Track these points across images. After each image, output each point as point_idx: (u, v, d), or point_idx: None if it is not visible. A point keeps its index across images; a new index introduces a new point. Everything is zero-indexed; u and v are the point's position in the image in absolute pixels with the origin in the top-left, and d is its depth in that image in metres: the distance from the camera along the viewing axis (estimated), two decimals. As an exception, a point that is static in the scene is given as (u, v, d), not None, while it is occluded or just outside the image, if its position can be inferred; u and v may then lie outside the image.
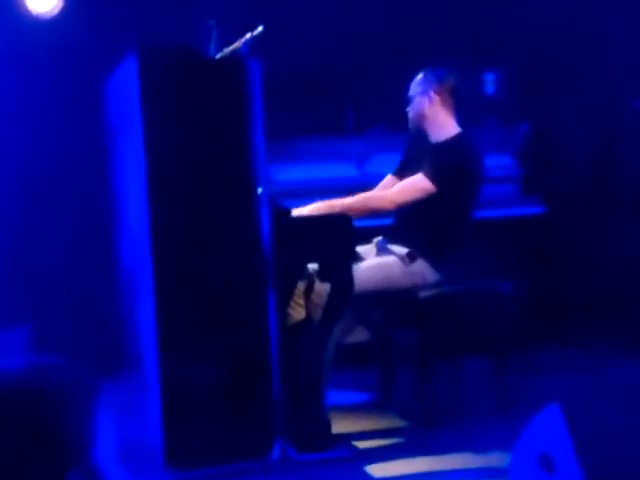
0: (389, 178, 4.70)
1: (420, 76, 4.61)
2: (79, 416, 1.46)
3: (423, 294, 4.35)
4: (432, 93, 4.54)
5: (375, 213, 4.56)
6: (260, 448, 3.83)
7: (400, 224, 4.56)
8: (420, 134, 4.61)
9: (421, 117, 4.57)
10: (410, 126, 4.64)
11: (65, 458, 1.42)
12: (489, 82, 6.02)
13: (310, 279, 4.18)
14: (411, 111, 4.60)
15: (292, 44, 5.45)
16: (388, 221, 4.64)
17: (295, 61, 5.52)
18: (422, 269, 4.42)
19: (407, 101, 4.61)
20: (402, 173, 4.61)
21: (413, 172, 4.48)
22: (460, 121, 4.60)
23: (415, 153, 4.63)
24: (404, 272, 4.40)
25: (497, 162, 5.64)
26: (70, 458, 1.42)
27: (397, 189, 4.46)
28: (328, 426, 4.01)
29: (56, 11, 5.31)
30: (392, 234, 4.55)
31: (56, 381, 1.47)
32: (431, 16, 5.88)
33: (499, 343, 4.44)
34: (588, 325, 5.49)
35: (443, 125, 4.56)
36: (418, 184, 4.40)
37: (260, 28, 3.90)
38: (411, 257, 4.42)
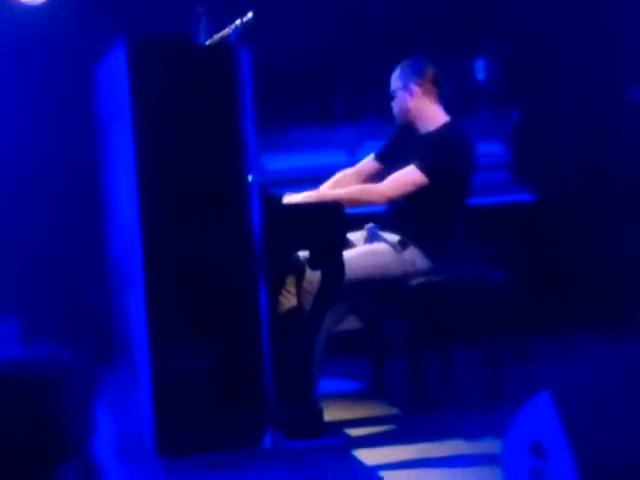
0: (370, 160, 4.68)
1: (398, 70, 4.56)
2: (79, 406, 1.45)
3: (414, 282, 4.35)
4: (413, 86, 4.50)
5: (365, 206, 4.56)
6: (252, 436, 3.83)
7: (392, 211, 4.55)
8: (408, 124, 4.59)
9: (406, 111, 4.54)
10: (397, 121, 4.62)
11: (63, 447, 1.41)
12: (480, 69, 6.00)
13: (301, 267, 4.17)
14: (395, 107, 4.57)
15: (282, 32, 5.42)
16: (379, 208, 4.63)
17: (285, 49, 5.50)
18: (413, 257, 4.42)
19: (390, 97, 4.58)
20: (386, 160, 4.60)
21: (399, 161, 4.45)
22: (450, 108, 4.59)
23: (402, 141, 4.60)
24: (395, 259, 4.39)
25: (488, 149, 5.61)
26: (68, 448, 1.42)
27: (389, 183, 4.43)
28: (320, 414, 4.01)
29: (44, -1, 5.28)
30: (383, 221, 4.54)
31: (57, 370, 1.46)
32: (421, 3, 5.86)
33: (490, 331, 4.44)
34: (580, 313, 5.49)
35: (430, 116, 4.54)
36: (410, 177, 4.37)
37: (250, 15, 3.88)
38: (402, 244, 4.41)
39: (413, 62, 4.56)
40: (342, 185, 4.56)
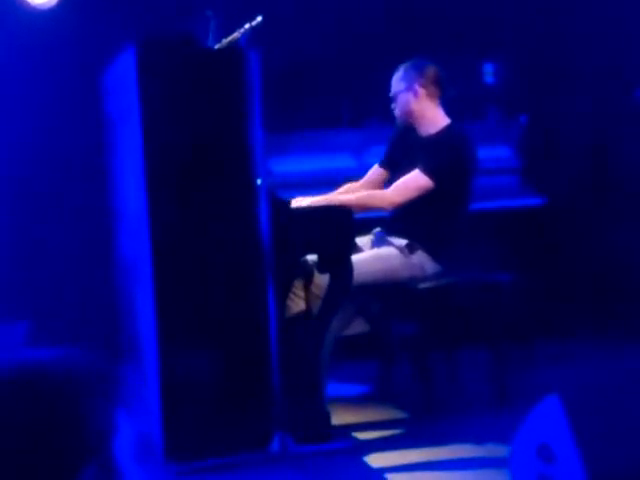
0: (376, 169, 4.68)
1: (400, 72, 4.54)
2: (100, 407, 1.46)
3: (422, 286, 4.35)
4: (417, 87, 4.50)
5: (372, 211, 4.56)
6: (260, 440, 3.83)
7: (399, 216, 4.55)
8: (407, 126, 4.59)
9: (409, 113, 4.53)
10: (398, 123, 4.61)
11: (84, 449, 1.42)
12: (488, 73, 6.01)
13: (309, 271, 4.17)
14: (398, 109, 4.56)
15: (290, 36, 5.44)
16: (386, 212, 4.63)
17: (293, 53, 5.51)
18: (421, 260, 4.42)
19: (391, 99, 4.57)
20: (390, 166, 4.60)
21: (403, 166, 4.45)
22: (459, 112, 4.58)
23: (403, 145, 4.60)
24: (403, 263, 4.39)
25: (496, 153, 5.63)
26: (89, 449, 1.42)
27: (395, 189, 4.42)
28: (327, 418, 4.00)
29: (54, 2, 5.29)
30: (390, 225, 4.54)
31: (77, 371, 1.47)
32: (429, 7, 5.86)
33: (498, 334, 4.44)
34: (587, 316, 5.49)
35: (432, 118, 4.53)
36: (416, 183, 4.37)
37: (259, 19, 3.88)
38: (410, 248, 4.41)
39: (416, 63, 4.55)
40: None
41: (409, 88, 4.50)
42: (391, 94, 4.57)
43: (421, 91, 4.50)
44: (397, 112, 4.57)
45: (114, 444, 1.46)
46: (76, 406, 1.42)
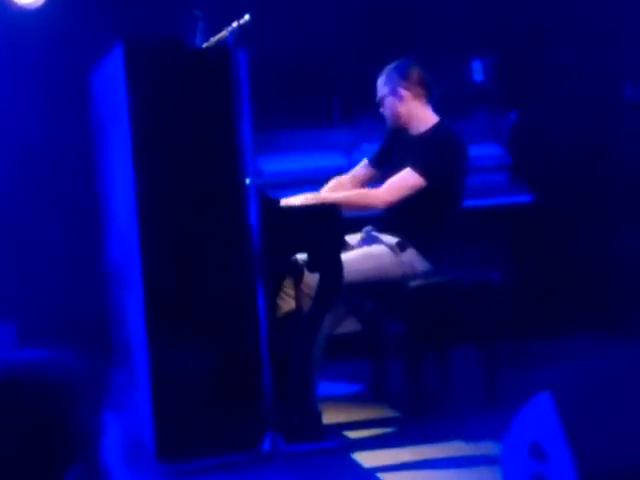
0: (364, 165, 4.68)
1: (384, 76, 4.55)
2: (87, 409, 1.46)
3: (413, 284, 4.34)
4: (401, 90, 4.50)
5: (364, 210, 4.55)
6: (251, 440, 3.82)
7: (389, 213, 4.54)
8: (399, 128, 4.59)
9: (397, 116, 4.54)
10: (389, 125, 4.62)
11: (70, 451, 1.41)
12: (477, 70, 6.00)
13: (299, 270, 4.16)
14: (386, 113, 4.57)
15: (279, 34, 5.43)
16: (377, 211, 4.62)
17: (282, 51, 5.50)
18: (412, 259, 4.41)
19: (378, 103, 4.58)
20: (380, 165, 4.60)
21: (393, 165, 4.45)
22: (448, 109, 4.58)
23: (394, 145, 4.60)
24: (394, 262, 4.39)
25: (486, 151, 5.62)
26: (76, 451, 1.42)
27: (387, 187, 4.42)
28: (319, 417, 4.00)
29: (41, 2, 5.27)
30: (381, 223, 4.54)
31: (65, 373, 1.46)
32: (418, 4, 5.86)
33: (489, 332, 4.44)
34: (578, 314, 5.49)
35: (421, 118, 4.54)
36: (408, 181, 4.37)
37: (246, 17, 3.87)
38: (401, 246, 4.41)
39: (398, 66, 4.55)
40: (339, 191, 4.56)
41: (393, 92, 4.51)
42: (377, 99, 4.58)
43: (405, 93, 4.50)
44: (386, 116, 4.58)
45: (101, 445, 1.45)
46: (62, 407, 1.41)
